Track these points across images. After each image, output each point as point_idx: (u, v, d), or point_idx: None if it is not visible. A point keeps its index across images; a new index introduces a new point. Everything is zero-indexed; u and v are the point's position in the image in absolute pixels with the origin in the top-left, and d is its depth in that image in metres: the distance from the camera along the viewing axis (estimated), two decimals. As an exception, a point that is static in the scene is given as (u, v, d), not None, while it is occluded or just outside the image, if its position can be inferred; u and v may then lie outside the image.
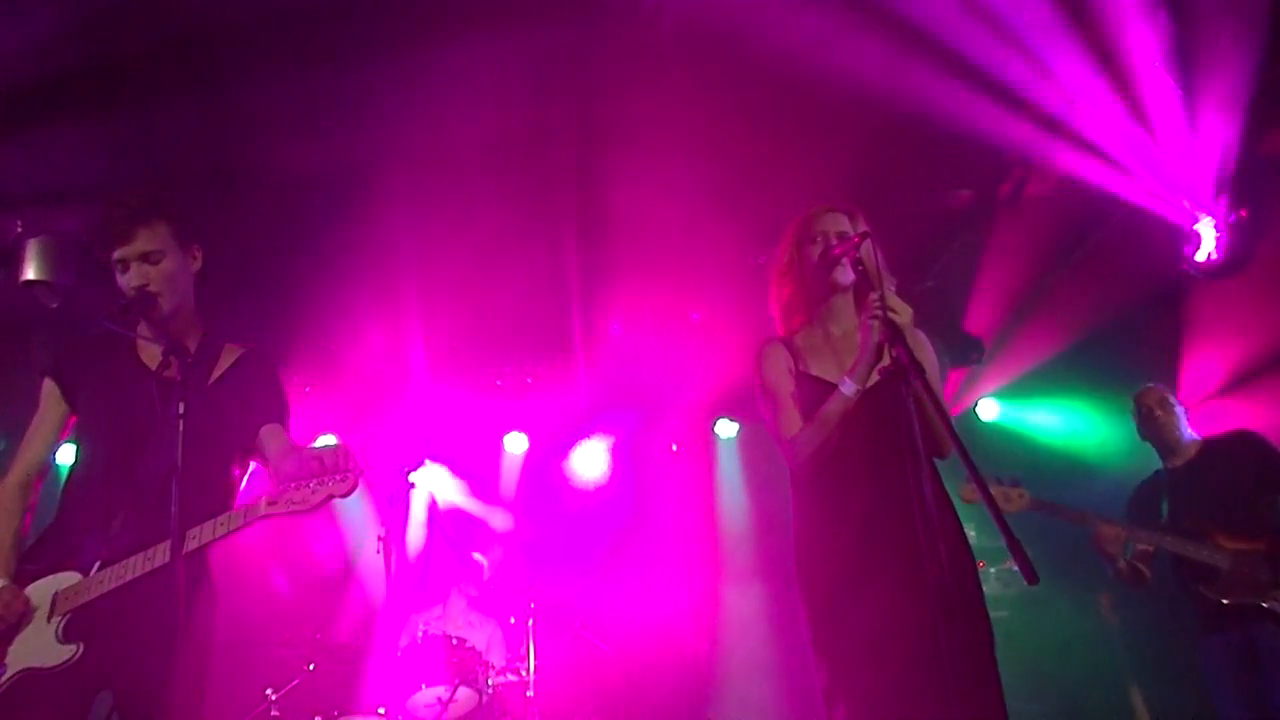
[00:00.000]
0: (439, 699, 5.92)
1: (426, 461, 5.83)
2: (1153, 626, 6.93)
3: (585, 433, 9.07)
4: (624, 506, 9.11)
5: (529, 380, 8.51)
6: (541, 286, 7.18)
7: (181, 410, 2.74)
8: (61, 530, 3.08)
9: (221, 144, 5.52)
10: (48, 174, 5.51)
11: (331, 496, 2.85)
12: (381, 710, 5.62)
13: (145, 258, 3.11)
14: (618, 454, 9.21)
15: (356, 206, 6.13)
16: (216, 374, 3.23)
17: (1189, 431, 5.26)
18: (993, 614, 3.12)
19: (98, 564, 2.94)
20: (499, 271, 6.85)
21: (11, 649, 2.89)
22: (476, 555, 7.54)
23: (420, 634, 6.38)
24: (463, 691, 5.99)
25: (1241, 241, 6.10)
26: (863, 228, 3.35)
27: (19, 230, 5.84)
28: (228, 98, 5.16)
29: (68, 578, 2.95)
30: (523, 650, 6.71)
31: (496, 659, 6.63)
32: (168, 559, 2.81)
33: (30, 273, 5.75)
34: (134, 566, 2.91)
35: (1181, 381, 7.43)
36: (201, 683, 3.03)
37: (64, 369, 3.24)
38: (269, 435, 3.19)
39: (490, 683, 6.31)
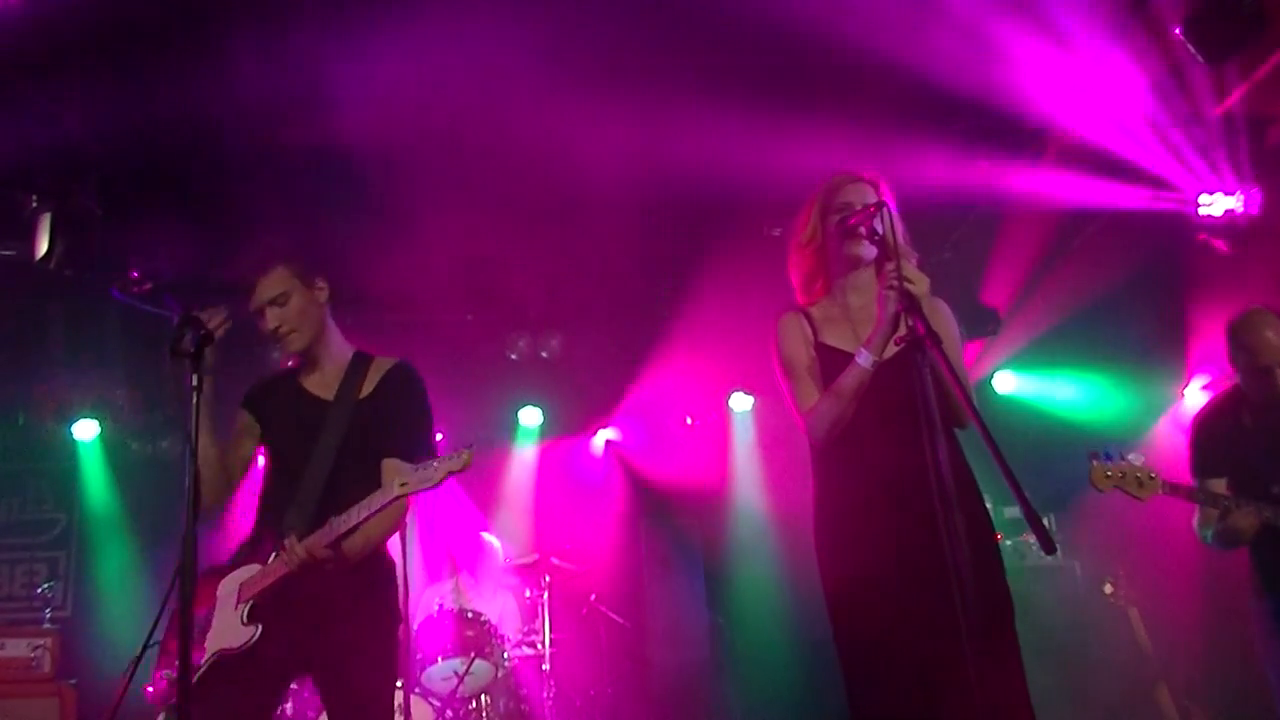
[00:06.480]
0: (455, 672, 5.95)
1: (440, 436, 5.86)
2: (1167, 600, 6.91)
3: (599, 405, 9.07)
4: (639, 480, 9.12)
5: (543, 354, 8.49)
6: (554, 258, 7.17)
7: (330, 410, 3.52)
8: (252, 533, 3.52)
9: (232, 114, 5.51)
10: (60, 146, 5.52)
11: (450, 473, 3.15)
12: (398, 683, 5.64)
13: (273, 302, 3.48)
14: (633, 428, 9.22)
15: (367, 179, 6.12)
16: (367, 389, 3.59)
17: None
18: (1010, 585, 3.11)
19: (273, 555, 3.31)
20: (511, 243, 6.84)
21: (209, 635, 3.30)
22: (487, 536, 7.55)
23: (436, 608, 6.40)
24: (479, 664, 6.02)
25: (1256, 209, 6.07)
26: (884, 198, 3.30)
27: (33, 204, 5.84)
28: (245, 63, 5.14)
29: (250, 569, 3.36)
30: (538, 624, 6.74)
31: (510, 631, 6.66)
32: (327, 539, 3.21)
33: (44, 246, 5.75)
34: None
35: (1191, 352, 7.41)
36: (395, 646, 3.51)
37: (255, 402, 3.68)
38: (386, 470, 3.45)
39: (506, 656, 6.33)
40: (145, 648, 3.38)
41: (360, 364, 3.64)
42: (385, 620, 3.49)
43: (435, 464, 3.15)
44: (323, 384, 3.61)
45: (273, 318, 3.49)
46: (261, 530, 3.47)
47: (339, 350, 3.68)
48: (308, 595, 3.27)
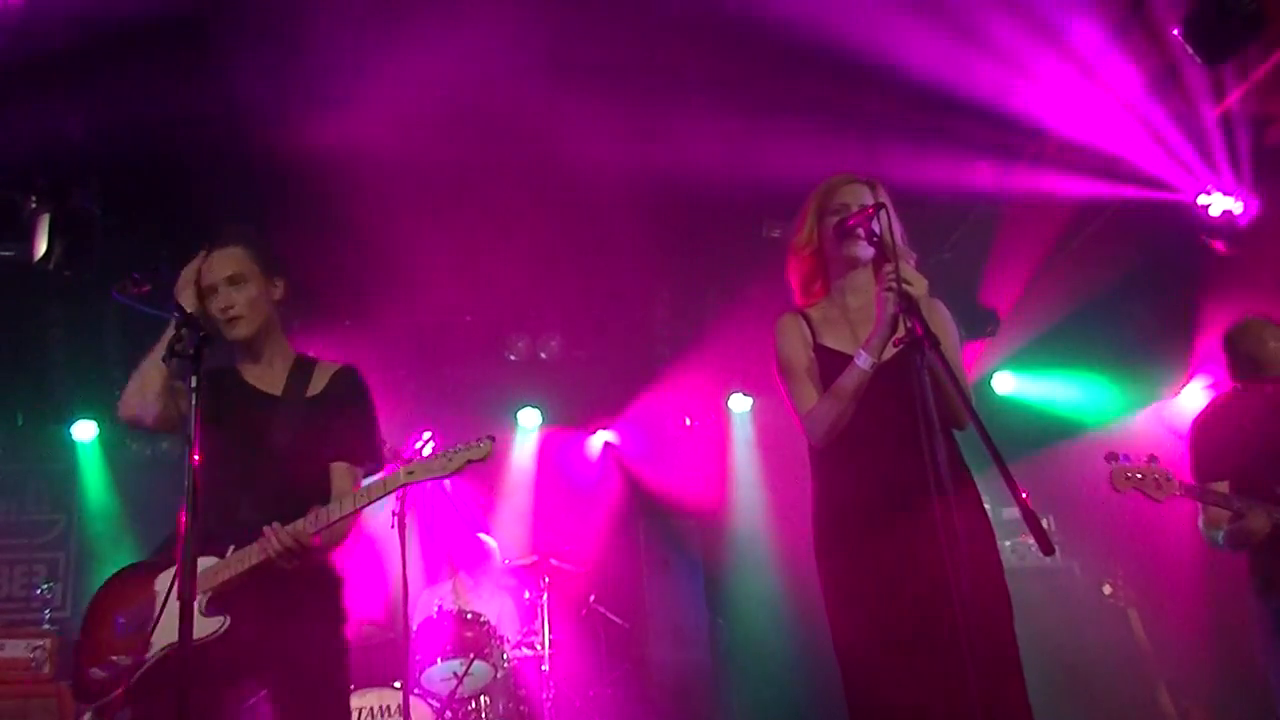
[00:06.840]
0: (454, 673, 5.94)
1: (428, 434, 5.89)
2: (1167, 601, 6.91)
3: (598, 406, 9.07)
4: (638, 481, 9.12)
5: (542, 355, 8.50)
6: (553, 260, 7.18)
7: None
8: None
9: (227, 123, 5.52)
10: (60, 146, 5.53)
11: (470, 461, 3.07)
12: (397, 684, 5.64)
13: (229, 280, 3.39)
14: (632, 428, 9.22)
15: (368, 181, 6.11)
16: (315, 388, 3.51)
17: None
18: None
19: (231, 548, 3.20)
20: (510, 245, 6.84)
21: (156, 631, 3.11)
22: (485, 537, 7.54)
23: (435, 609, 6.40)
24: (478, 665, 6.01)
25: (1256, 209, 6.09)
26: (882, 199, 3.29)
27: (33, 204, 5.84)
28: (246, 66, 5.15)
29: (204, 561, 3.15)
30: (537, 624, 6.73)
31: (510, 632, 6.65)
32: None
33: (43, 247, 5.75)
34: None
35: (1196, 351, 7.40)
36: (345, 645, 3.41)
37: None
38: (336, 473, 3.45)
39: (506, 657, 6.33)
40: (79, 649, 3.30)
41: (305, 364, 3.58)
42: (335, 618, 3.42)
43: (454, 451, 3.08)
44: (268, 380, 3.51)
45: (224, 297, 3.39)
46: (207, 524, 3.29)
47: (284, 350, 3.58)
48: (261, 592, 3.18)
